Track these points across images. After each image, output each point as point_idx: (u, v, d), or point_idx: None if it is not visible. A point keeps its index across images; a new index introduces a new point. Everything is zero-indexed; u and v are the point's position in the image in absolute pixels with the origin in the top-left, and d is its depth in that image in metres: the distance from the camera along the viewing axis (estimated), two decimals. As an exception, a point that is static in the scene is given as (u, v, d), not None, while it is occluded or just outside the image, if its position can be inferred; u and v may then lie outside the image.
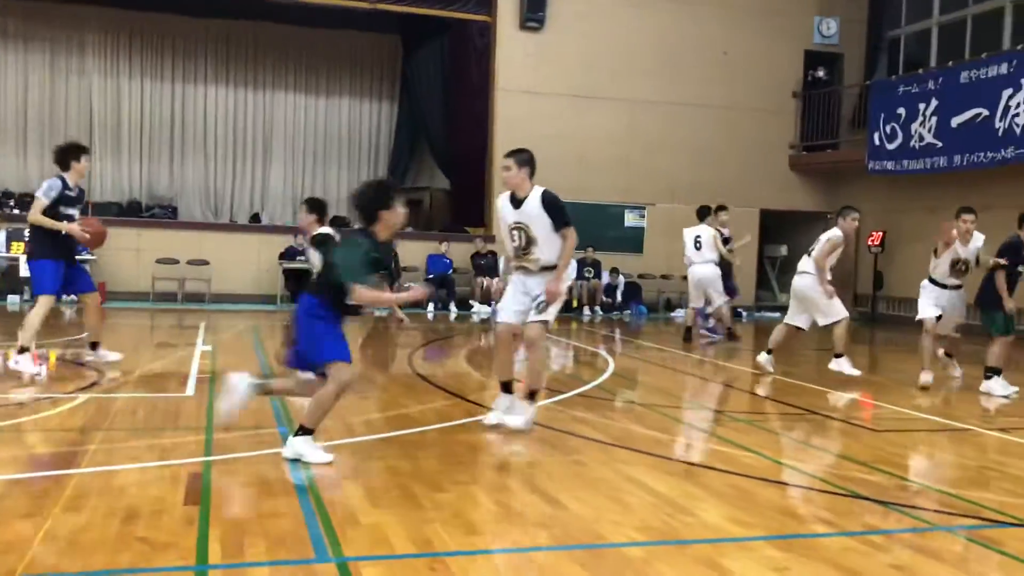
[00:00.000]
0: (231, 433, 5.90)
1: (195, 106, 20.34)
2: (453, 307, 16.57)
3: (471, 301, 16.88)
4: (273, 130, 20.89)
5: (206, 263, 16.35)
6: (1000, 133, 14.28)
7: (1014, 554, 4.06)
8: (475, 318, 15.90)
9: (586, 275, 17.45)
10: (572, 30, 17.90)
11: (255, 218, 19.80)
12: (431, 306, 16.57)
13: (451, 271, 16.94)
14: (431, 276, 16.83)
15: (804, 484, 5.16)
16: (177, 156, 20.25)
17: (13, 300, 15.09)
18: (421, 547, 3.83)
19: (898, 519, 4.61)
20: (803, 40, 19.22)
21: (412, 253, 17.14)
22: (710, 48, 18.54)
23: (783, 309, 11.09)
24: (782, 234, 19.69)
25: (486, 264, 17.01)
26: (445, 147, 19.73)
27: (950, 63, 16.20)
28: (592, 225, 18.07)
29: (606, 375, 9.40)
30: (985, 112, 14.63)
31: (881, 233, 17.88)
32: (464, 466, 5.32)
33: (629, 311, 17.62)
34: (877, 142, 16.91)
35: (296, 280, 16.48)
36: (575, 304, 17.23)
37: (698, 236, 12.40)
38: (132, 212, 18.42)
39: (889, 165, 16.68)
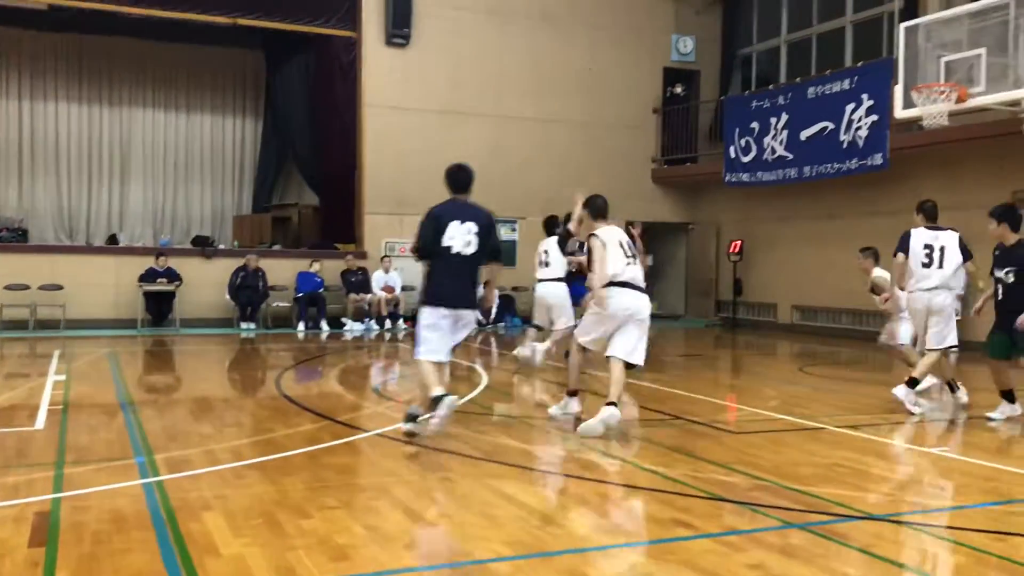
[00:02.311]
0: (85, 467, 5.64)
1: (45, 124, 19.40)
2: (324, 325, 16.28)
3: (343, 319, 16.63)
4: (131, 148, 20.13)
5: (60, 288, 15.53)
6: (844, 145, 15.12)
7: (860, 547, 4.29)
8: (347, 336, 15.69)
9: (459, 290, 17.46)
10: (438, 47, 17.98)
11: (112, 239, 18.95)
12: (301, 325, 16.24)
13: (322, 289, 16.66)
14: (299, 295, 16.50)
15: (667, 489, 5.31)
16: (27, 176, 19.26)
17: None
18: None
19: (755, 519, 4.80)
20: (662, 58, 19.88)
21: (281, 271, 16.78)
22: (574, 65, 18.94)
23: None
24: (647, 245, 20.22)
25: (357, 281, 16.81)
26: (313, 163, 19.44)
27: (798, 79, 17.07)
28: (463, 240, 18.16)
29: (479, 389, 9.42)
30: (831, 125, 15.46)
31: (739, 242, 18.64)
32: (331, 490, 5.24)
33: (503, 324, 17.75)
34: (733, 155, 17.63)
35: (157, 302, 15.90)
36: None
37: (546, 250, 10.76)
38: (-23, 236, 17.37)
39: (744, 177, 17.41)
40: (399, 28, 17.55)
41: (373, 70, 17.70)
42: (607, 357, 6.99)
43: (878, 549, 4.24)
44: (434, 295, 6.52)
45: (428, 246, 6.47)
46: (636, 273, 7.14)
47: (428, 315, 6.49)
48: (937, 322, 8.06)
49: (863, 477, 5.76)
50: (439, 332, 6.47)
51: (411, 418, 6.55)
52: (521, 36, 18.58)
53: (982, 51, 11.53)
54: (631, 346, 6.95)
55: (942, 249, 8.08)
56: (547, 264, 10.68)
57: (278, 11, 17.28)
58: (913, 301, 8.20)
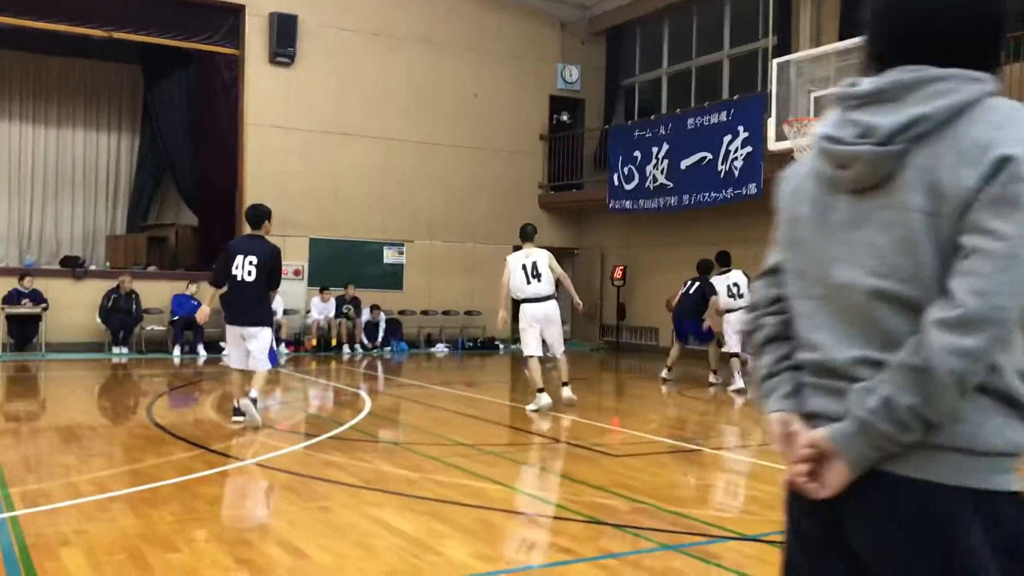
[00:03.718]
0: (-70, 503, 5.27)
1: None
2: (202, 350, 15.74)
3: (222, 343, 16.11)
4: (-6, 163, 19.13)
5: (-88, 310, 14.59)
6: (722, 175, 15.65)
7: (730, 566, 4.40)
8: (225, 360, 15.20)
9: (344, 312, 17.22)
10: (323, 66, 17.76)
11: (-27, 259, 17.93)
12: (177, 349, 15.67)
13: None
14: (175, 319, 15.93)
15: (546, 513, 5.33)
16: None
17: None
18: (147, 614, 3.57)
19: (631, 541, 4.86)
20: (548, 86, 20.17)
21: (156, 294, 16.18)
22: (461, 90, 19.03)
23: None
24: (534, 269, 20.44)
25: (238, 304, 16.34)
26: (192, 182, 18.87)
27: (678, 110, 17.60)
28: (350, 262, 17.93)
29: (362, 415, 9.28)
30: (709, 156, 15.98)
31: (623, 267, 19.01)
32: (202, 522, 5.04)
33: (390, 348, 17.57)
34: (616, 182, 18.01)
35: (21, 326, 15.09)
36: (334, 342, 16.95)
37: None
38: None
39: (627, 204, 17.80)
40: (283, 47, 17.27)
41: (256, 89, 17.35)
42: (554, 356, 9.66)
43: (749, 569, 4.35)
44: (226, 315, 8.16)
45: (219, 274, 8.01)
46: (537, 288, 9.29)
47: (227, 332, 8.15)
48: None
49: (736, 497, 5.93)
50: (231, 345, 8.12)
51: (236, 412, 8.16)
52: (407, 58, 18.55)
53: (847, 88, 12.12)
54: (559, 341, 9.63)
55: None
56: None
57: (158, 26, 16.74)
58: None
